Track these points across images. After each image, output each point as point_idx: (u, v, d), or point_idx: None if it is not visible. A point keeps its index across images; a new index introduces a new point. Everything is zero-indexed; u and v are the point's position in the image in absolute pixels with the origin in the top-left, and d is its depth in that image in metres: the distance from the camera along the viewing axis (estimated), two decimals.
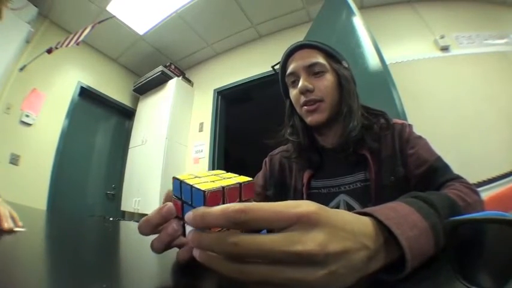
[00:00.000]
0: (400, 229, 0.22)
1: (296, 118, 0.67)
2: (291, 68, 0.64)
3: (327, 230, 0.18)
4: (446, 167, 0.56)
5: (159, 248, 0.25)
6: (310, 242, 0.17)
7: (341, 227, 0.19)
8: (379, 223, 0.23)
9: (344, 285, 0.19)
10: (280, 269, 0.17)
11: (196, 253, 0.20)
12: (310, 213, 0.18)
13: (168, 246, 0.26)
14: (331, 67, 0.63)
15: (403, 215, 0.24)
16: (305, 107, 0.62)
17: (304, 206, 0.19)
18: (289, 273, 0.17)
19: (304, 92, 0.60)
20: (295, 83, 0.63)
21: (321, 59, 0.62)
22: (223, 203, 0.22)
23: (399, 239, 0.21)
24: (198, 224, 0.20)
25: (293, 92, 0.64)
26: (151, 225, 0.25)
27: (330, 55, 0.64)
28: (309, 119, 0.62)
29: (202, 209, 0.20)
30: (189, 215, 0.20)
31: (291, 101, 0.67)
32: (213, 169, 2.49)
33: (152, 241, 0.26)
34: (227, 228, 0.20)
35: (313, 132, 0.68)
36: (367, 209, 0.24)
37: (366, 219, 0.23)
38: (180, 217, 0.25)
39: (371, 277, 0.21)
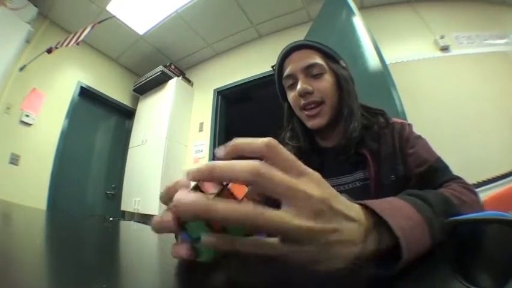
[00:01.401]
0: (393, 219, 0.22)
1: (295, 121, 0.66)
2: (288, 70, 0.62)
3: (293, 207, 0.19)
4: (446, 168, 0.56)
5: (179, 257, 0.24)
6: (276, 216, 0.18)
7: (312, 207, 0.20)
8: (374, 215, 0.23)
9: (347, 256, 0.20)
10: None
11: (210, 238, 0.19)
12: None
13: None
14: (329, 67, 0.62)
15: (397, 207, 0.25)
16: (306, 112, 0.60)
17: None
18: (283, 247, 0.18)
19: (304, 94, 0.59)
20: (293, 85, 0.62)
21: (318, 60, 0.61)
22: None
23: (392, 227, 0.22)
24: (205, 173, 0.18)
25: (292, 95, 0.63)
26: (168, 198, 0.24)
27: (327, 55, 0.63)
28: (310, 124, 0.61)
29: (211, 163, 0.19)
30: (200, 167, 0.19)
31: (289, 104, 0.66)
32: None
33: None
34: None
35: (313, 134, 0.67)
36: (361, 202, 0.24)
37: (356, 206, 0.23)
38: None
39: (368, 272, 0.21)
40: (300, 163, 0.21)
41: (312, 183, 0.20)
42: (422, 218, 0.25)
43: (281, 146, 0.20)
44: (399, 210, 0.24)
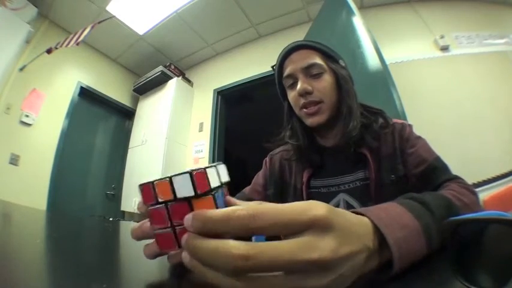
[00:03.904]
0: (389, 230, 0.22)
1: (295, 120, 0.67)
2: (288, 70, 0.63)
3: (338, 234, 0.18)
4: (445, 167, 0.56)
5: (150, 256, 0.25)
6: (325, 248, 0.17)
7: (348, 230, 0.19)
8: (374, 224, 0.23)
9: (345, 285, 0.19)
10: (291, 278, 0.16)
11: (186, 258, 0.18)
12: (322, 219, 0.17)
13: (159, 254, 0.25)
14: (329, 67, 0.62)
15: (394, 215, 0.25)
16: (305, 110, 0.61)
17: (315, 210, 0.18)
18: (300, 281, 0.16)
19: (303, 94, 0.60)
20: (293, 85, 0.63)
21: (318, 60, 0.61)
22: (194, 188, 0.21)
23: (387, 239, 0.22)
24: (197, 229, 0.18)
25: (291, 94, 0.64)
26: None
27: (326, 55, 0.63)
28: (309, 121, 0.62)
29: (203, 213, 0.18)
30: (188, 217, 0.18)
31: (289, 103, 0.67)
32: None
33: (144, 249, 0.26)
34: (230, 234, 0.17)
35: (312, 133, 0.68)
36: (361, 210, 0.24)
37: (366, 220, 0.23)
38: (169, 225, 0.23)
39: (365, 277, 0.21)
40: (294, 213, 0.17)
41: (316, 206, 0.18)
42: (420, 225, 0.25)
43: (264, 207, 0.17)
44: (396, 219, 0.24)
